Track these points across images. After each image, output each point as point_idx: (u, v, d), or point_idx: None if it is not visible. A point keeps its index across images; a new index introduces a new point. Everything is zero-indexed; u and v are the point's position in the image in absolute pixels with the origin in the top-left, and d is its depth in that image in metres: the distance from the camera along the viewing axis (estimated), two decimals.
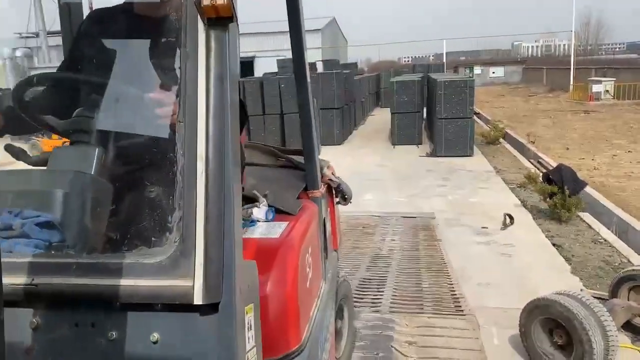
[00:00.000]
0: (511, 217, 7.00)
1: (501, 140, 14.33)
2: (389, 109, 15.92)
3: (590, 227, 6.98)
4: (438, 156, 12.34)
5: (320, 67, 24.91)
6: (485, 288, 5.04)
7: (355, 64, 29.97)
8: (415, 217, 7.08)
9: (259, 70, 33.09)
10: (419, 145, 14.15)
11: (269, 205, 2.10)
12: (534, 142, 14.18)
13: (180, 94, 1.04)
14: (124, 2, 1.77)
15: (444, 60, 37.44)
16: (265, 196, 2.13)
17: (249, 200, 2.11)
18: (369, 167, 11.68)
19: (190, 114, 1.03)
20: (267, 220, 2.02)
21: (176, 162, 1.05)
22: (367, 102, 23.32)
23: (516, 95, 34.90)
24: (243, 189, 2.05)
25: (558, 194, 6.98)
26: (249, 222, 2.00)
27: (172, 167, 1.07)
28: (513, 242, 6.33)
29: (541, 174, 8.20)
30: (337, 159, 12.01)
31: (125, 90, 1.53)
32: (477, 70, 44.46)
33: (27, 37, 35.89)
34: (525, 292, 4.93)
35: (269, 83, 14.80)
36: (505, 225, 6.89)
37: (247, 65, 36.30)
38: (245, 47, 34.94)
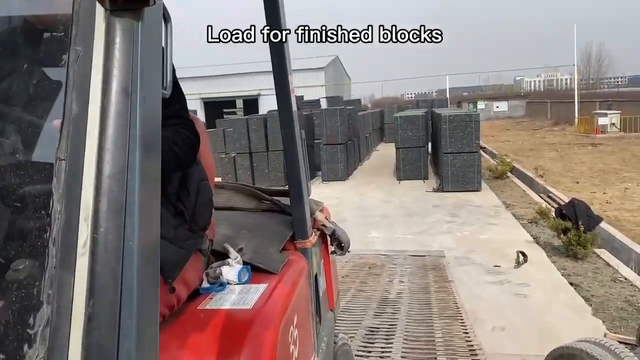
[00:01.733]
0: (524, 255, 6.68)
1: (509, 174, 14.09)
2: (393, 144, 15.83)
3: (608, 264, 6.64)
4: (445, 191, 12.08)
5: (324, 104, 25.08)
6: (501, 333, 4.69)
7: (358, 100, 30.21)
8: (424, 256, 6.78)
9: (263, 108, 33.46)
10: (425, 180, 13.92)
11: (244, 263, 1.69)
12: (542, 176, 13.93)
13: (63, 116, 0.66)
14: None
15: (447, 96, 37.69)
16: (239, 250, 1.73)
17: (220, 255, 1.71)
18: (375, 203, 11.43)
19: (74, 147, 0.65)
20: (240, 283, 1.60)
21: (49, 224, 0.65)
22: (371, 138, 23.28)
23: (521, 129, 34.87)
24: (212, 241, 1.68)
25: (572, 229, 6.68)
26: (217, 285, 1.56)
27: (42, 232, 0.67)
28: (528, 282, 5.99)
29: (553, 209, 7.91)
30: (341, 195, 11.77)
31: None
32: (481, 105, 44.68)
33: None
34: (544, 337, 4.58)
35: (273, 120, 14.76)
36: (518, 264, 6.56)
37: (251, 103, 36.77)
38: (250, 86, 35.46)
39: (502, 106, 46.88)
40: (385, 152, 22.35)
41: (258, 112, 31.89)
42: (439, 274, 5.59)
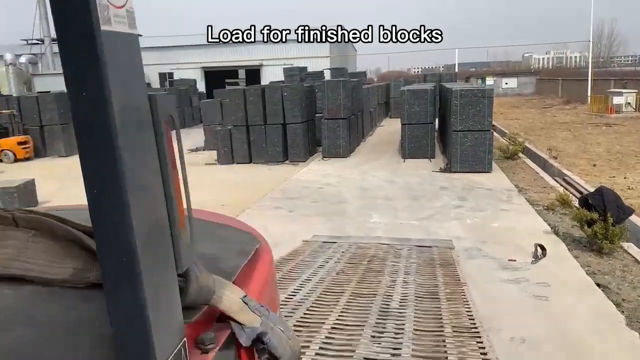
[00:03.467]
0: (543, 249, 5.97)
1: (520, 154, 13.28)
2: (399, 119, 14.97)
3: (637, 261, 5.92)
4: (453, 172, 11.31)
5: (327, 77, 24.08)
6: (521, 346, 4.01)
7: (363, 73, 29.12)
8: (430, 247, 6.06)
9: (265, 79, 32.41)
10: (432, 159, 13.13)
11: None
12: (556, 158, 13.12)
13: None
14: None
15: (456, 70, 36.46)
16: None
17: None
18: (377, 183, 10.69)
19: None
20: None
21: None
22: (375, 112, 22.36)
23: (530, 106, 33.77)
24: None
25: (599, 221, 5.94)
26: None
27: None
28: (548, 281, 5.28)
29: (577, 197, 7.15)
30: (342, 174, 10.99)
31: None
32: (490, 81, 43.34)
33: (33, 43, 35.52)
34: (572, 354, 3.91)
35: (272, 91, 13.90)
36: (536, 258, 5.85)
37: (254, 74, 35.68)
38: (253, 56, 34.29)
39: (511, 82, 45.55)
40: (390, 128, 21.47)
41: (260, 83, 30.91)
42: (450, 272, 4.87)
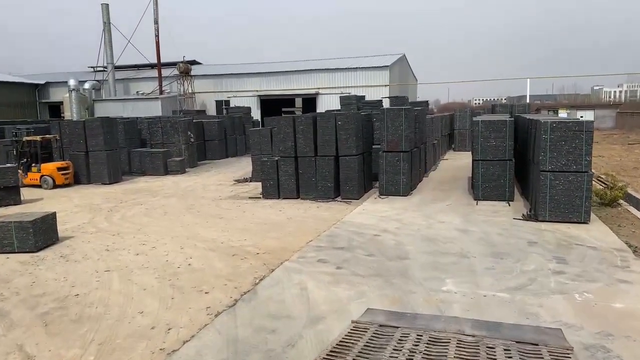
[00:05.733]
0: None
1: (621, 201, 10.94)
2: (464, 153, 13.12)
3: None
4: (540, 220, 9.23)
5: (386, 105, 22.51)
6: None
7: (426, 102, 27.30)
8: (537, 346, 4.14)
9: (321, 107, 31.32)
10: (510, 203, 11.07)
11: None
12: None
13: None
14: None
15: (527, 101, 33.78)
16: None
17: None
18: (447, 231, 8.80)
19: None
20: None
21: None
22: (439, 145, 20.42)
23: (613, 142, 30.47)
24: None
25: None
26: None
27: None
28: None
29: None
30: (402, 217, 8.97)
31: None
32: (562, 113, 40.08)
33: (98, 70, 36.55)
34: None
35: (324, 120, 12.43)
36: None
37: (310, 102, 34.74)
38: (308, 84, 33.42)
39: (588, 115, 41.96)
40: (455, 163, 19.44)
41: (316, 112, 29.80)
42: None
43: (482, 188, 11.33)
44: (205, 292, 6.17)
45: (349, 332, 4.56)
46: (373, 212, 10.67)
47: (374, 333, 4.46)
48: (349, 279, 6.43)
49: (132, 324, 5.31)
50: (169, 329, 5.13)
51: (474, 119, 12.35)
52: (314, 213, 10.82)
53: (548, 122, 9.22)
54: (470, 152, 23.54)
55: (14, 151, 16.24)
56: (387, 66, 32.00)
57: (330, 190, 12.31)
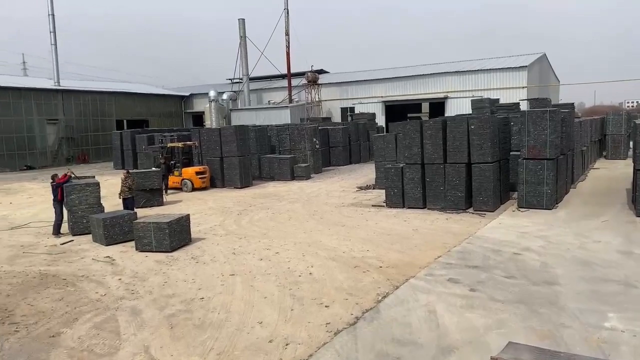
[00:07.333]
0: None
1: None
2: (617, 161, 11.22)
3: None
4: None
5: (524, 108, 20.57)
6: None
7: (572, 105, 24.51)
8: None
9: (451, 112, 29.83)
10: None
11: None
12: None
13: None
14: None
15: None
16: None
17: None
18: (605, 253, 7.44)
19: None
20: None
21: None
22: (588, 152, 18.03)
23: None
24: None
25: None
26: None
27: None
28: None
29: None
30: (548, 234, 7.51)
31: None
32: None
33: (235, 82, 39.17)
34: None
35: (455, 124, 11.52)
36: None
37: (438, 107, 33.33)
38: (436, 88, 32.10)
39: None
40: (608, 172, 16.97)
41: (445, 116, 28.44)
42: None
43: None
44: (325, 306, 5.83)
45: None
46: (511, 226, 9.53)
47: None
48: (485, 304, 5.62)
49: (250, 334, 5.15)
50: (286, 344, 4.86)
51: (636, 121, 10.52)
52: (443, 225, 10.00)
53: None
54: (625, 160, 20.52)
55: (160, 155, 17.82)
56: (525, 66, 29.44)
57: (461, 200, 11.35)
